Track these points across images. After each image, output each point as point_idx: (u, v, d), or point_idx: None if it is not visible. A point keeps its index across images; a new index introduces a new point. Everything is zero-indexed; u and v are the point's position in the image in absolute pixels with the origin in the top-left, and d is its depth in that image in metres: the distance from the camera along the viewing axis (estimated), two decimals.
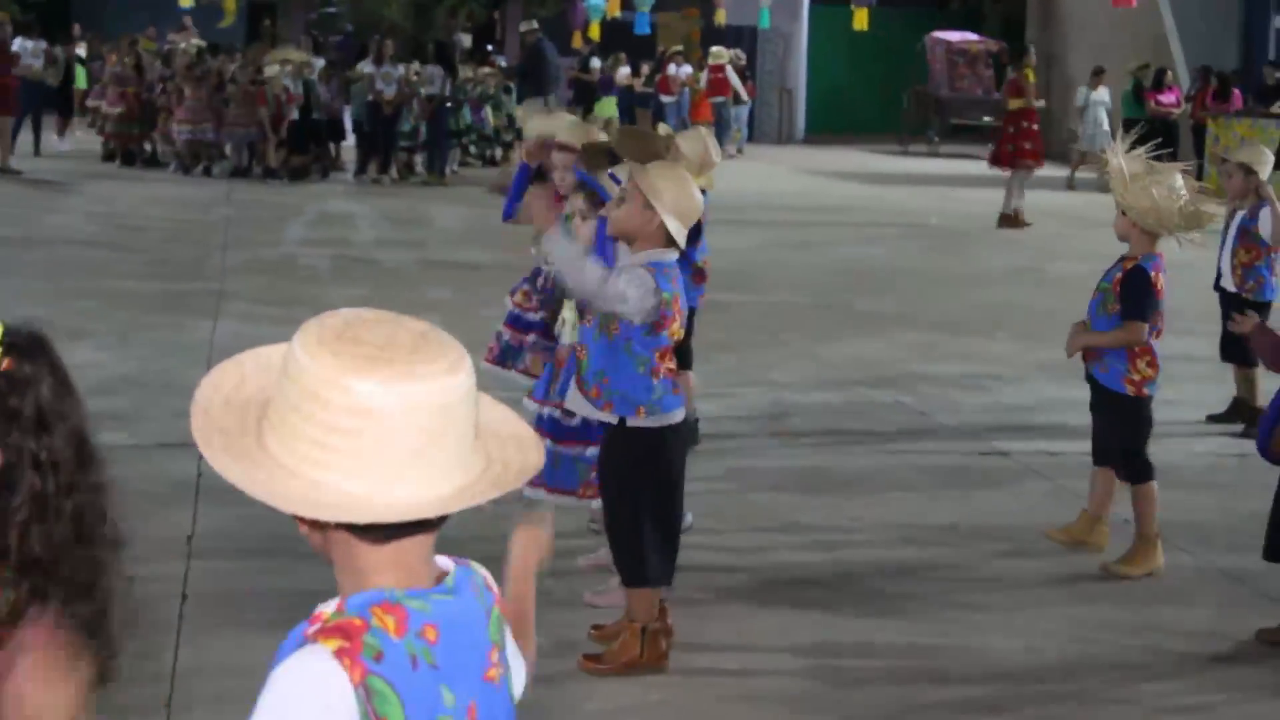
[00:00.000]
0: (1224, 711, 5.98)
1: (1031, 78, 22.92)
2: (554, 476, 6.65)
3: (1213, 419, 10.39)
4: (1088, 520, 7.63)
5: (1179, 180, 7.42)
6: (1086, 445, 9.62)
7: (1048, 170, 32.14)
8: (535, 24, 26.80)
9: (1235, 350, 10.29)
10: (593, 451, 6.56)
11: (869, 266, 17.64)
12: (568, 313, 6.98)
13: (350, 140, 26.06)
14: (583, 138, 8.37)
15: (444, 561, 2.31)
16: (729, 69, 34.46)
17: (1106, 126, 26.10)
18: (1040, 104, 23.06)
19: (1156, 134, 26.53)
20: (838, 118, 39.53)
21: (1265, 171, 10.03)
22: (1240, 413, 10.27)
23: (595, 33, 35.65)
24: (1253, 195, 10.05)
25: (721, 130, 34.08)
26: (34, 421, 2.49)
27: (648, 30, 32.53)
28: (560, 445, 6.68)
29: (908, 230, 21.21)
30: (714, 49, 34.99)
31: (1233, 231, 10.21)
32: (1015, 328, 13.74)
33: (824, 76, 39.66)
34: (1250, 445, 9.88)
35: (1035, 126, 21.79)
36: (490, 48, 39.32)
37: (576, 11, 37.53)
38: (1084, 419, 10.38)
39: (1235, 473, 9.38)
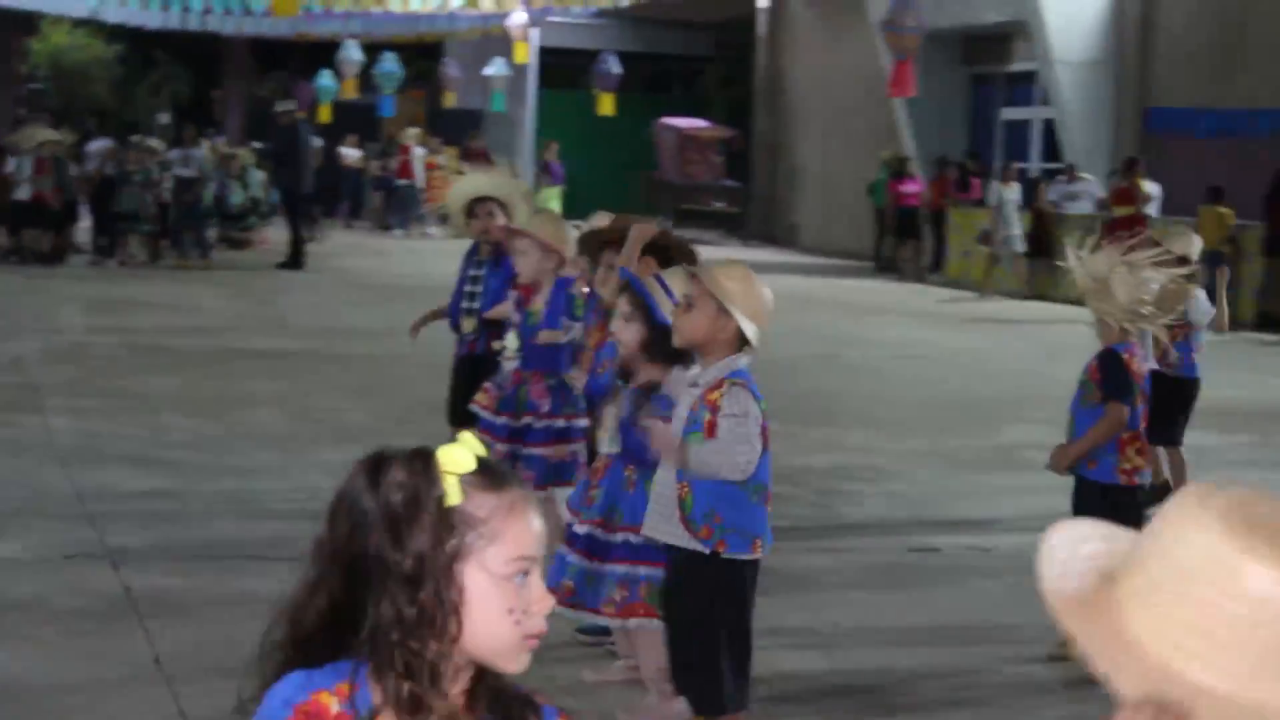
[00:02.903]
0: None
1: (1142, 187, 22.99)
2: (584, 593, 6.22)
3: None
4: None
5: (1148, 271, 7.36)
6: (1012, 539, 9.62)
7: (779, 256, 32.65)
8: (293, 105, 26.14)
9: (1159, 432, 10.23)
10: (625, 569, 6.17)
11: None
12: (610, 421, 6.54)
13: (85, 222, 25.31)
14: (558, 234, 8.07)
15: None
16: (414, 150, 33.98)
17: (1018, 229, 25.73)
18: (1149, 211, 23.02)
19: (900, 221, 27.24)
20: (565, 201, 39.49)
21: (1196, 255, 10.12)
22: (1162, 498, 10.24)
23: (325, 115, 35.09)
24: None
25: (407, 212, 33.71)
26: None
27: (391, 113, 32.12)
28: (593, 562, 6.24)
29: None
30: (408, 130, 34.55)
31: None
32: (859, 416, 13.68)
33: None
34: None
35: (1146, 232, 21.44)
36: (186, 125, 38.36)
37: (302, 91, 36.89)
38: (986, 510, 10.42)
39: None
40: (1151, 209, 24.89)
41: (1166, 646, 1.80)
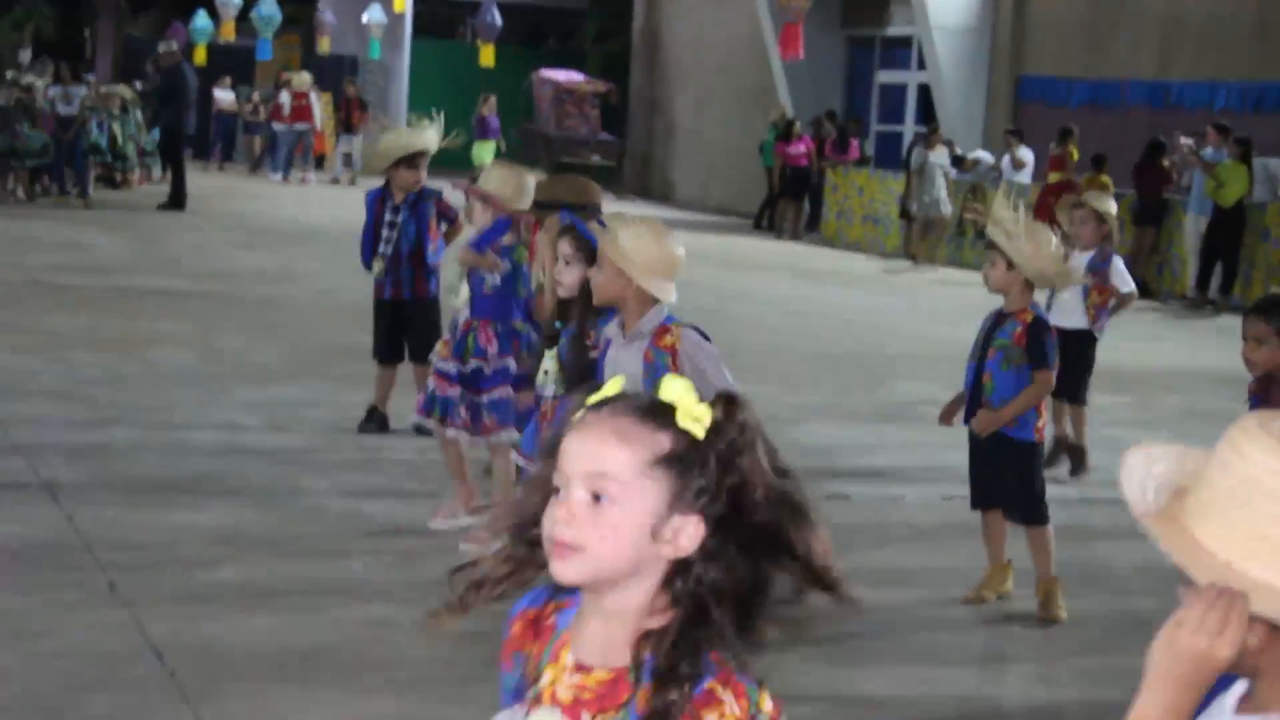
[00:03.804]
0: None
1: (1075, 155, 23.26)
2: None
3: None
4: (1000, 570, 7.79)
5: (1053, 237, 7.69)
6: (919, 489, 9.99)
7: (653, 211, 32.88)
8: (175, 45, 25.98)
9: (1067, 389, 10.57)
10: None
11: None
12: (549, 363, 6.80)
13: None
14: (515, 191, 8.26)
15: None
16: (313, 96, 34.00)
17: (944, 193, 25.06)
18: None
19: (788, 181, 27.37)
20: (439, 152, 39.39)
21: (1113, 219, 10.49)
22: (1066, 452, 10.57)
23: (201, 57, 34.77)
24: (1104, 241, 10.37)
25: (302, 158, 33.73)
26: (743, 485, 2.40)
27: (269, 56, 31.94)
28: None
29: None
30: (300, 75, 34.48)
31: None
32: (755, 370, 13.92)
33: (425, 109, 39.39)
34: (1080, 486, 10.29)
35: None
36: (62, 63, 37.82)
37: (175, 32, 36.48)
38: (890, 462, 10.77)
39: (1075, 515, 9.75)
40: (1025, 176, 25.47)
41: (1230, 549, 2.10)
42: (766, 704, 2.35)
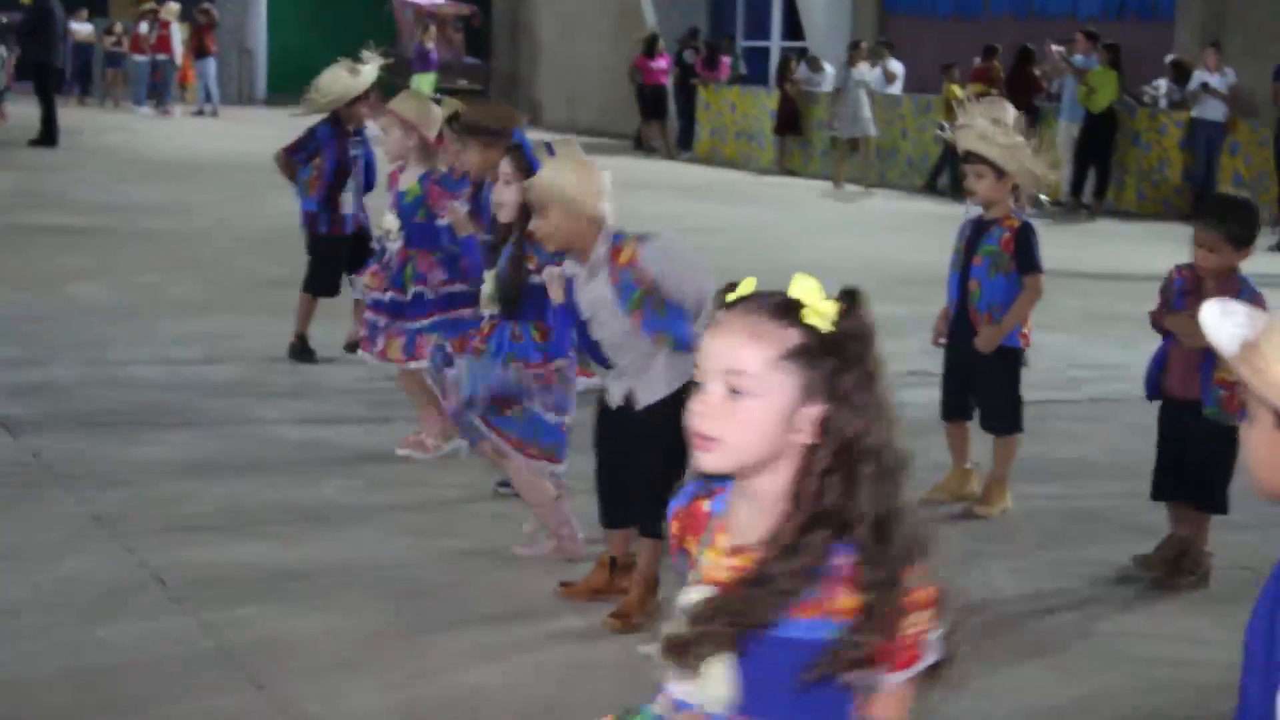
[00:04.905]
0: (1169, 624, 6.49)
1: (999, 69, 23.32)
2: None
3: None
4: (960, 474, 8.01)
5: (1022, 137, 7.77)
6: None
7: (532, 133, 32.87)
8: None
9: None
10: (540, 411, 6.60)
11: None
12: (487, 285, 6.79)
13: None
14: (421, 113, 8.34)
15: None
16: (174, 26, 33.65)
17: (868, 112, 24.44)
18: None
19: (647, 99, 27.38)
20: (299, 78, 38.80)
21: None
22: None
23: None
24: None
25: (164, 90, 33.42)
26: (867, 375, 2.58)
27: None
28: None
29: None
30: (167, 4, 34.04)
31: None
32: None
33: (284, 36, 39.16)
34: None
35: None
36: None
37: None
38: None
39: None
40: (896, 88, 25.79)
41: None
42: None
